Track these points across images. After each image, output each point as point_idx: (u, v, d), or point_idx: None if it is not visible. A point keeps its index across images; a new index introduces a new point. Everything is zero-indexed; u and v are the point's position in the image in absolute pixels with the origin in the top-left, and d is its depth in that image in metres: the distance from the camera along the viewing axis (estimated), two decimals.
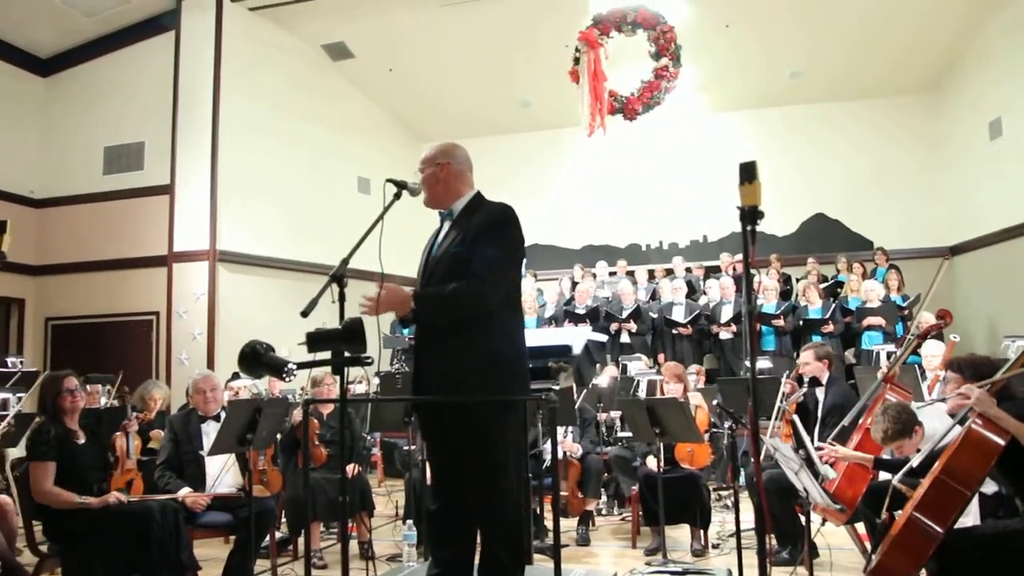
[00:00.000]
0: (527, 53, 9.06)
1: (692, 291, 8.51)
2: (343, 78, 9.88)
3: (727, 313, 7.73)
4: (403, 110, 10.56)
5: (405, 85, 9.99)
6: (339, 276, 2.08)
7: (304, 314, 2.00)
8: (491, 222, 2.34)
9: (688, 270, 9.30)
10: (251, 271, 8.31)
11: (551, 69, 8.59)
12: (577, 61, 7.66)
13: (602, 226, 10.76)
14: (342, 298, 2.07)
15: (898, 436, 2.94)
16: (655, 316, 8.16)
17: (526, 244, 2.45)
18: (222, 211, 8.05)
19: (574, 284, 9.01)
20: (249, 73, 8.47)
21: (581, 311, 8.18)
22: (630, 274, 9.49)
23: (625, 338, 8.07)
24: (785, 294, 8.23)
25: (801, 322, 7.36)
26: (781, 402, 3.81)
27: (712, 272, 9.08)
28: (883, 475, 3.14)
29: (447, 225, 2.48)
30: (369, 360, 2.06)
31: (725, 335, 7.67)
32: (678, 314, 7.92)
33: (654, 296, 8.75)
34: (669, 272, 9.34)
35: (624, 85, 7.90)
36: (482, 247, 2.29)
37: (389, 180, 2.37)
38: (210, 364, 7.66)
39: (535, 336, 2.67)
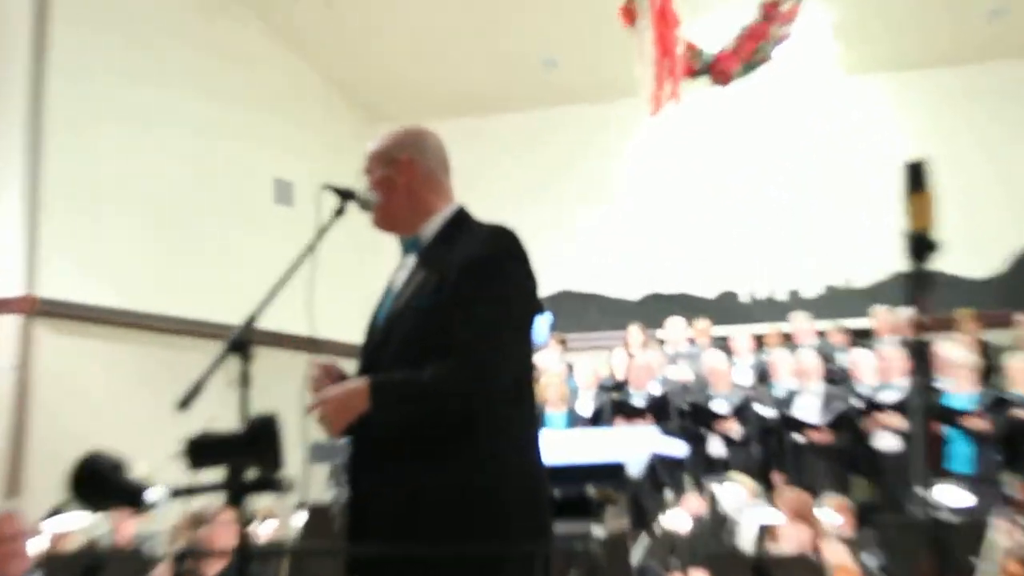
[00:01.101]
0: None
1: (829, 370, 8.41)
2: (253, 18, 10.00)
3: (889, 403, 7.62)
4: (350, 74, 10.66)
5: (354, 34, 10.06)
6: (241, 343, 2.09)
7: (182, 405, 2.01)
8: (482, 257, 2.37)
9: (821, 335, 9.28)
10: (93, 332, 8.24)
11: (591, 7, 8.70)
12: None
13: (674, 263, 10.74)
14: (245, 380, 2.09)
15: None
16: (767, 412, 8.05)
17: (549, 292, 2.46)
18: (45, 234, 8.00)
19: (629, 357, 8.99)
20: (95, 11, 8.53)
21: (640, 401, 8.14)
22: (721, 341, 9.43)
23: (717, 448, 8.00)
24: (987, 373, 8.10)
25: (1016, 419, 7.17)
26: (992, 563, 3.70)
27: (861, 338, 9.05)
28: None
29: (412, 261, 2.54)
30: (287, 484, 2.05)
31: (886, 442, 7.49)
32: (806, 408, 7.88)
33: (763, 377, 8.65)
34: (788, 338, 9.31)
35: (710, 32, 7.96)
36: (470, 300, 2.33)
37: (328, 187, 2.43)
38: (12, 490, 7.55)
39: (563, 444, 2.63)
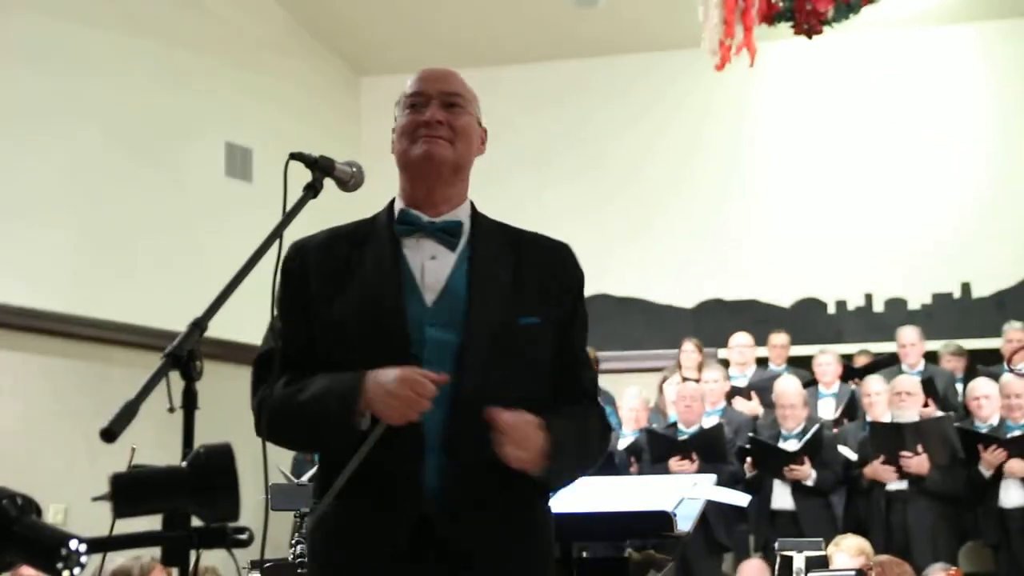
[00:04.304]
0: None
1: (936, 402, 8.22)
2: None
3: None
4: (327, 11, 10.69)
5: None
6: (184, 356, 2.12)
7: (108, 435, 2.00)
8: (582, 285, 2.63)
9: (929, 357, 9.06)
10: None
11: None
12: None
13: (738, 264, 10.69)
14: (190, 401, 2.10)
15: None
16: (853, 455, 7.91)
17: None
18: None
19: (684, 380, 8.85)
20: None
21: (687, 435, 8.08)
22: (799, 364, 9.34)
23: (782, 500, 7.92)
24: None
25: None
26: None
27: (986, 362, 8.86)
28: None
29: (448, 251, 2.57)
30: (245, 537, 2.03)
31: (1017, 496, 7.52)
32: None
33: (850, 412, 8.54)
34: (889, 360, 9.17)
35: None
36: (581, 335, 2.61)
37: (296, 156, 2.43)
38: None
39: (596, 490, 2.62)
